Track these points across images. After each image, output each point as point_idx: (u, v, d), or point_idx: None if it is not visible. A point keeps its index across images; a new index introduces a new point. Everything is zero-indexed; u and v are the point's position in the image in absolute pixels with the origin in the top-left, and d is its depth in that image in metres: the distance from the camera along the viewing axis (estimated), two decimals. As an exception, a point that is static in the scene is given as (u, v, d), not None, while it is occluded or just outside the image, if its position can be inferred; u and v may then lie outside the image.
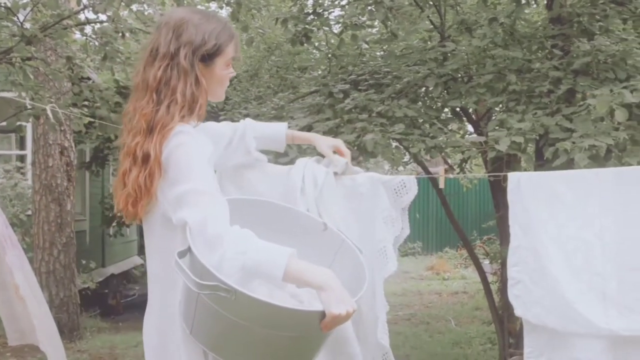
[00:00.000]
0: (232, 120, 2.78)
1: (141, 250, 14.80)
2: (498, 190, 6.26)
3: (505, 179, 2.84)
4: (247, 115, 5.03)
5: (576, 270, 2.66)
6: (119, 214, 2.06)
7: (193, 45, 2.01)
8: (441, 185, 3.16)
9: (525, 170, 5.74)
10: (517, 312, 2.76)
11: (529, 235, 2.72)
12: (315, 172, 2.70)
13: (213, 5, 9.24)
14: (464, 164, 7.13)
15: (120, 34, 5.87)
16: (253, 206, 2.24)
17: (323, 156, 2.65)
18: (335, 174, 2.68)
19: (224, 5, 6.65)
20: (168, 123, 1.95)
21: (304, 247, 1.94)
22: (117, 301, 10.33)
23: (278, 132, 2.55)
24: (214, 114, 6.80)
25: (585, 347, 2.66)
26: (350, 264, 2.11)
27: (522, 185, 2.76)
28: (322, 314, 1.79)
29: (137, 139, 1.97)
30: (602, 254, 2.64)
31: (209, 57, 2.04)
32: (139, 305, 10.72)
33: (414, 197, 2.91)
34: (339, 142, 2.58)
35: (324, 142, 2.57)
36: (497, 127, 4.11)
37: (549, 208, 2.71)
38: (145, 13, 7.18)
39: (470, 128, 6.77)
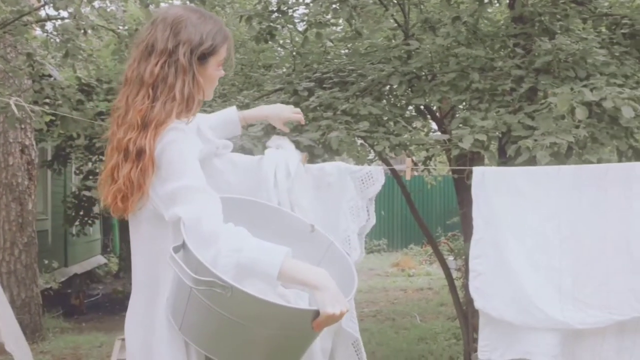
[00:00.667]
0: None
1: (105, 250, 14.62)
2: (462, 187, 6.33)
3: (469, 176, 2.88)
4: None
5: (535, 264, 2.73)
6: (105, 209, 2.04)
7: (192, 44, 2.01)
8: (408, 177, 3.19)
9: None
10: (477, 304, 2.81)
11: (491, 229, 2.78)
12: (288, 162, 2.70)
13: (177, 2, 9.18)
14: (428, 161, 7.19)
15: (82, 31, 5.80)
16: (241, 205, 2.24)
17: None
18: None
19: (187, 2, 6.60)
20: (164, 120, 1.94)
21: (291, 248, 1.95)
22: (80, 301, 10.19)
23: (230, 115, 2.57)
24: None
25: (537, 341, 2.73)
26: (338, 266, 2.12)
27: (486, 179, 2.82)
28: (316, 313, 1.80)
29: (130, 134, 1.95)
30: (559, 248, 2.72)
31: (204, 57, 2.04)
32: (102, 305, 10.62)
33: (381, 188, 2.95)
34: (289, 107, 2.64)
35: (278, 118, 2.61)
36: (460, 125, 4.15)
37: (511, 202, 2.78)
38: (108, 10, 7.10)
39: (434, 125, 6.83)
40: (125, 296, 10.85)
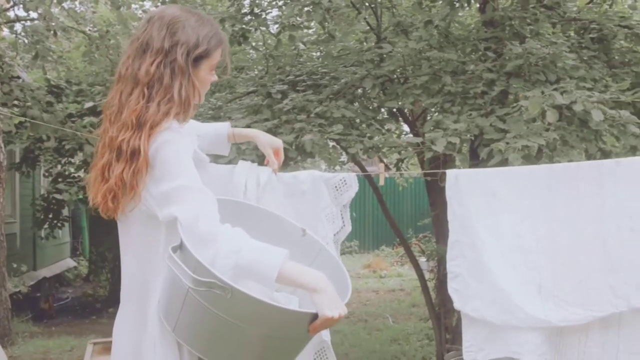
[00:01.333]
0: None
1: (74, 253, 14.46)
2: (434, 189, 6.39)
3: (442, 177, 2.90)
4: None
5: (512, 264, 2.75)
6: (95, 208, 2.00)
7: (188, 46, 1.98)
8: (381, 182, 3.22)
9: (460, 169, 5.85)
10: (456, 305, 2.82)
11: (466, 230, 2.79)
12: (259, 172, 2.72)
13: (147, 4, 9.12)
14: (401, 163, 7.25)
15: (52, 32, 5.74)
16: (233, 207, 2.23)
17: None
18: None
19: (159, 4, 6.56)
20: (160, 121, 1.91)
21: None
22: (49, 305, 10.06)
23: (220, 129, 2.52)
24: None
25: (522, 340, 2.75)
26: (330, 271, 2.11)
27: (459, 181, 2.84)
28: (314, 316, 1.80)
29: (124, 134, 1.91)
30: (536, 247, 2.74)
31: (198, 60, 2.01)
32: (72, 309, 10.49)
33: (354, 194, 2.97)
34: (279, 144, 2.53)
35: (265, 141, 2.50)
36: (432, 128, 4.18)
37: (485, 204, 2.80)
38: (77, 11, 7.04)
39: (406, 128, 6.88)
40: (96, 299, 10.78)
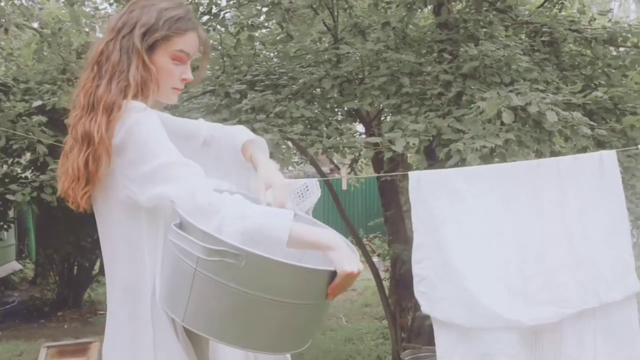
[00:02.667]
0: None
1: (19, 255, 14.10)
2: (388, 189, 6.45)
3: (402, 178, 2.94)
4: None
5: (479, 264, 2.77)
6: (66, 199, 1.88)
7: (147, 27, 1.88)
8: (344, 186, 3.24)
9: (417, 169, 5.92)
10: (424, 309, 2.82)
11: (431, 232, 2.81)
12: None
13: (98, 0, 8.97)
14: (355, 164, 7.30)
15: (3, 29, 5.60)
16: None
17: None
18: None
19: (112, 0, 6.46)
20: (114, 102, 1.80)
21: None
22: (-5, 309, 9.83)
23: (233, 142, 2.13)
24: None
25: (494, 341, 2.75)
26: None
27: (422, 183, 2.86)
28: (332, 275, 1.70)
29: (76, 115, 1.84)
30: (502, 246, 2.76)
31: (156, 43, 1.90)
32: (19, 313, 10.24)
33: (317, 200, 2.98)
34: (274, 181, 1.97)
35: (261, 175, 2.00)
36: (390, 129, 4.22)
37: (448, 204, 2.82)
38: (27, 5, 6.89)
39: (360, 128, 6.93)
40: (44, 303, 10.53)
